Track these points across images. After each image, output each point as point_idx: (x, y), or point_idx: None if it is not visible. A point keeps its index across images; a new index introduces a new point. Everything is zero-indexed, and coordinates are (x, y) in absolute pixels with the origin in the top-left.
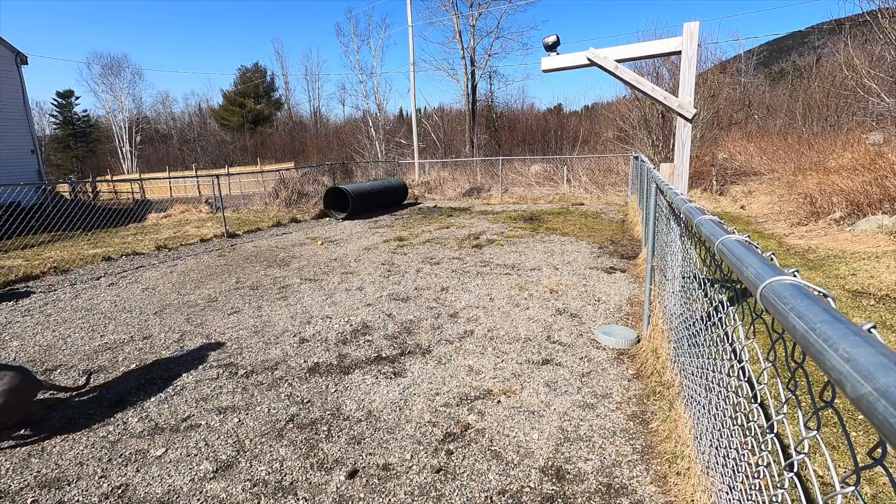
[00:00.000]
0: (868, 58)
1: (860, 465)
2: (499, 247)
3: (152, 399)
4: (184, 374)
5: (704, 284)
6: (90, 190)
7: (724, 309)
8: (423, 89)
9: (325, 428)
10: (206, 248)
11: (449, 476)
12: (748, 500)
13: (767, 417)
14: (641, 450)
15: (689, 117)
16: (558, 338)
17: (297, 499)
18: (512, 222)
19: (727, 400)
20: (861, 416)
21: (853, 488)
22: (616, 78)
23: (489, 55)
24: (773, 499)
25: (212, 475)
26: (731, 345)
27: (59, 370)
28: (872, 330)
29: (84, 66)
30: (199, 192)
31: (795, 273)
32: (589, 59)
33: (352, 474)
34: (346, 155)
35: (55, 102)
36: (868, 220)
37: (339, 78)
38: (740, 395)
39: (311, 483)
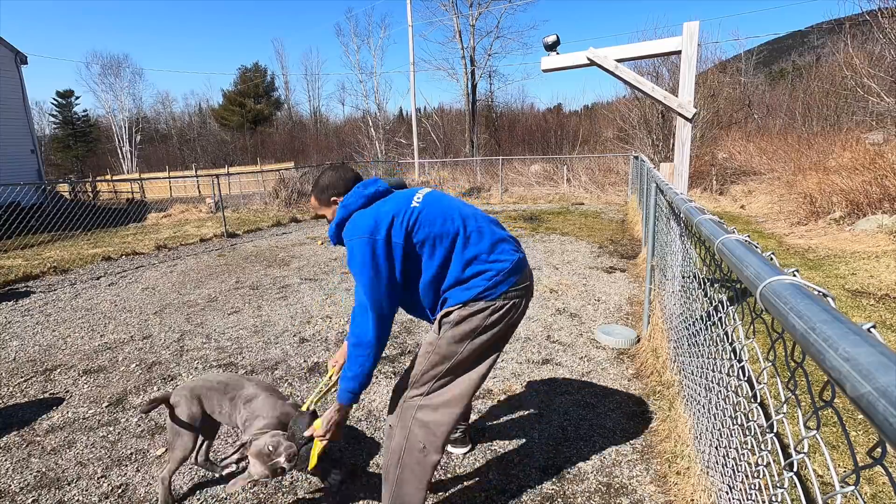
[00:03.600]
0: (868, 57)
1: (860, 464)
2: None
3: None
4: (184, 374)
5: (704, 284)
6: (90, 190)
7: (723, 308)
8: (422, 89)
9: None
10: (205, 247)
11: (449, 475)
12: (748, 499)
13: (767, 417)
14: (641, 449)
15: (689, 117)
16: (558, 337)
17: (297, 498)
18: (512, 222)
19: (727, 399)
20: (861, 416)
21: (853, 488)
22: (616, 78)
23: (489, 55)
24: (773, 498)
25: (212, 475)
26: (730, 344)
27: (59, 370)
28: (872, 329)
29: (84, 65)
30: (199, 192)
31: (795, 273)
32: (589, 59)
33: (352, 474)
34: (346, 155)
35: (55, 102)
36: (868, 220)
37: (339, 78)
38: (740, 394)
39: (311, 483)
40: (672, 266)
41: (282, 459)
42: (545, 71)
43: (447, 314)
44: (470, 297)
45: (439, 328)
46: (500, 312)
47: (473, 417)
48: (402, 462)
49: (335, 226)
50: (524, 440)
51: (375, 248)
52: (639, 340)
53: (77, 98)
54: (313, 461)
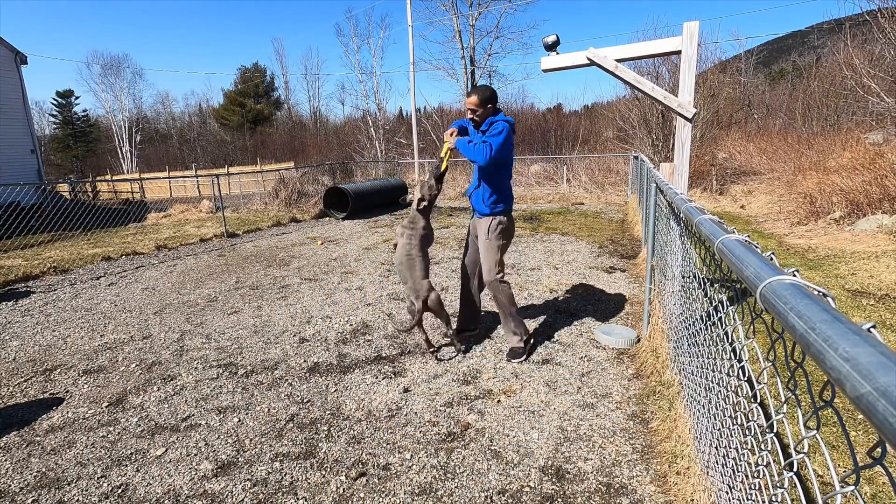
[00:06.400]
0: (868, 57)
1: (860, 464)
2: None
3: (152, 399)
4: (183, 374)
5: (704, 284)
6: (90, 190)
7: (723, 308)
8: (422, 89)
9: (325, 428)
10: (205, 247)
11: (449, 475)
12: (748, 499)
13: (767, 417)
14: (641, 449)
15: (689, 117)
16: (558, 337)
17: (297, 498)
18: None
19: (727, 399)
20: (861, 416)
21: (853, 488)
22: (616, 77)
23: (489, 55)
24: (773, 498)
25: (212, 475)
26: (730, 344)
27: (59, 370)
28: (872, 329)
29: (84, 65)
30: (199, 192)
31: (795, 273)
32: (589, 59)
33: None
34: (346, 155)
35: (55, 102)
36: (868, 220)
37: (339, 78)
38: (740, 394)
39: (310, 483)
40: (672, 266)
41: (427, 177)
42: (545, 71)
43: (493, 221)
44: (506, 209)
45: (488, 232)
46: (512, 221)
47: (473, 417)
48: (509, 306)
49: (490, 117)
50: (524, 440)
51: (509, 132)
52: (639, 340)
53: (77, 98)
54: (444, 166)
